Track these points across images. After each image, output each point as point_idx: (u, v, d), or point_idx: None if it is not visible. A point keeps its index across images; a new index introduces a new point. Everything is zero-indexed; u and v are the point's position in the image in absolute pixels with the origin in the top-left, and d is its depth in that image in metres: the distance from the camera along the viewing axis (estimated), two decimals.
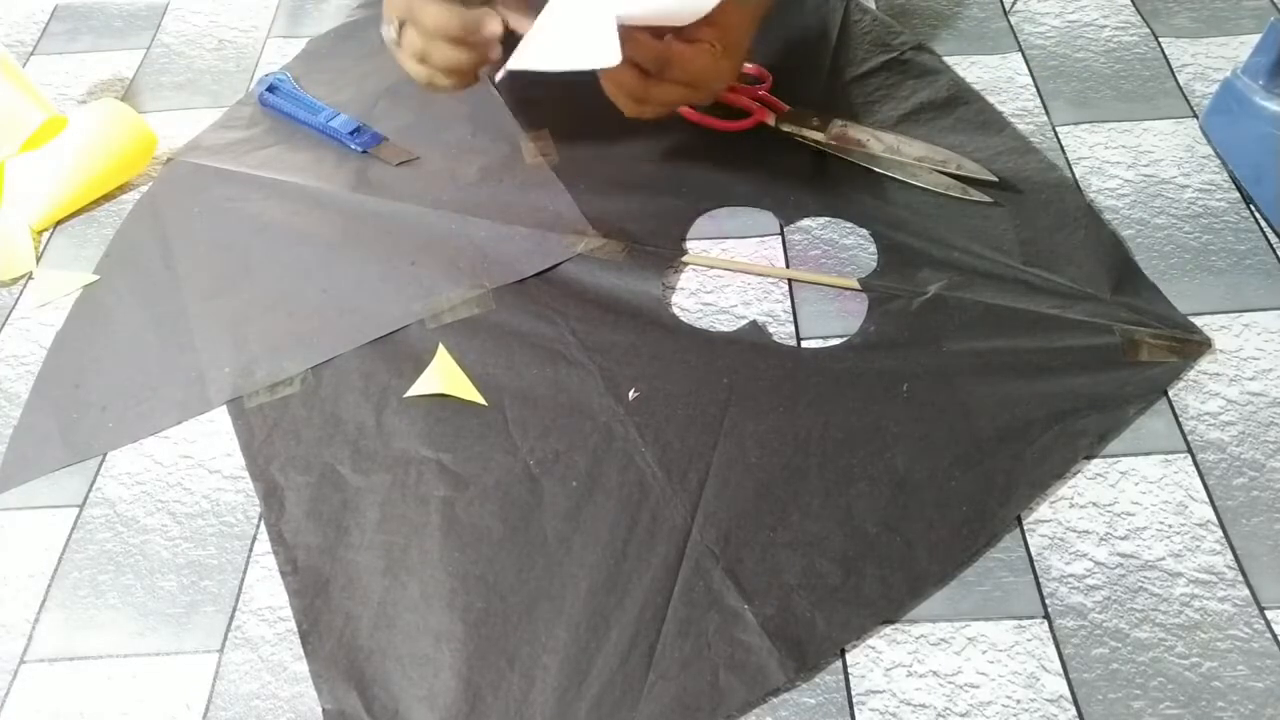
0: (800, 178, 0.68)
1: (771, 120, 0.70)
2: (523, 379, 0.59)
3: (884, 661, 0.48)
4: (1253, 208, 0.66)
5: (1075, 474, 0.54)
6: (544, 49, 0.54)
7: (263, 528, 0.54)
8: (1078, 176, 0.68)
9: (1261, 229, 0.65)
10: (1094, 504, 0.53)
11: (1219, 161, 0.68)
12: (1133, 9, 0.80)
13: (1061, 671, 0.48)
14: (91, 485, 0.57)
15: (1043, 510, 0.53)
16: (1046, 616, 0.49)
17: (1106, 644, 0.48)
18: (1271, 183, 0.64)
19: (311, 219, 0.68)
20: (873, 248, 0.64)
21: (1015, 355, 0.58)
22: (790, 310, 0.62)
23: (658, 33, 0.58)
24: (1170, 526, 0.52)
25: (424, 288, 0.63)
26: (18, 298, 0.66)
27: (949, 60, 0.77)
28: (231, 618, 0.51)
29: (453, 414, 0.58)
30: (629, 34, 0.56)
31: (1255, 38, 0.66)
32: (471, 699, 0.48)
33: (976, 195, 0.66)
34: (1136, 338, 0.58)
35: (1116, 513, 0.53)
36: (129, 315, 0.64)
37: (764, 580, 0.50)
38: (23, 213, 0.69)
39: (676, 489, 0.54)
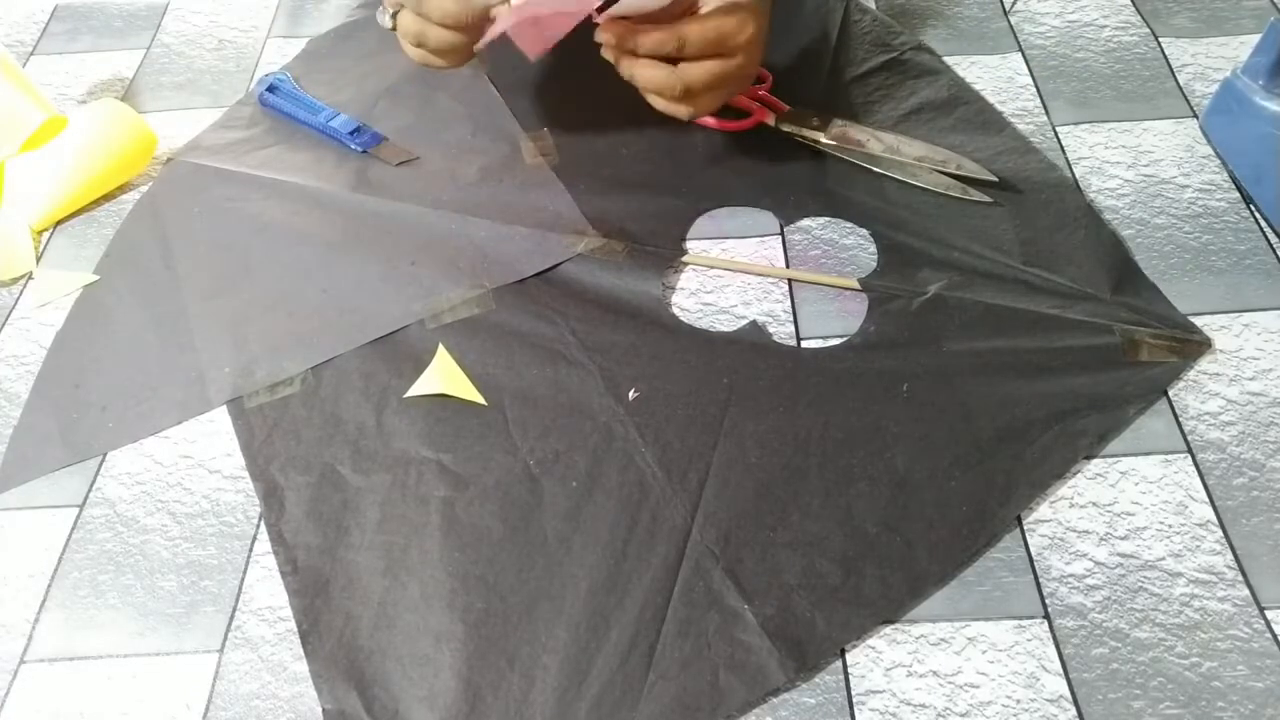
0: (800, 178, 0.68)
1: (771, 120, 0.70)
2: (523, 379, 0.59)
3: (884, 661, 0.48)
4: (1253, 208, 0.66)
5: (1075, 474, 0.54)
6: None
7: (263, 528, 0.54)
8: (1078, 176, 0.68)
9: (1261, 229, 0.65)
10: (1094, 504, 0.53)
11: (1219, 161, 0.68)
12: (1133, 9, 0.80)
13: (1061, 671, 0.48)
14: (91, 485, 0.57)
15: (1043, 510, 0.53)
16: (1046, 616, 0.49)
17: (1106, 644, 0.48)
18: (1271, 183, 0.64)
19: (311, 219, 0.68)
20: (873, 248, 0.64)
21: (1015, 355, 0.58)
22: (790, 310, 0.62)
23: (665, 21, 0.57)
24: (1170, 526, 0.52)
25: (424, 288, 0.63)
26: (18, 298, 0.66)
27: (949, 60, 0.77)
28: (231, 618, 0.51)
29: (453, 414, 0.58)
30: (636, 29, 0.56)
31: (1255, 38, 0.66)
32: (471, 699, 0.48)
33: (976, 195, 0.66)
34: (1136, 338, 0.58)
35: (1116, 513, 0.53)
36: (129, 315, 0.64)
37: (764, 580, 0.50)
38: (23, 213, 0.69)
39: (676, 489, 0.54)
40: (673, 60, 0.58)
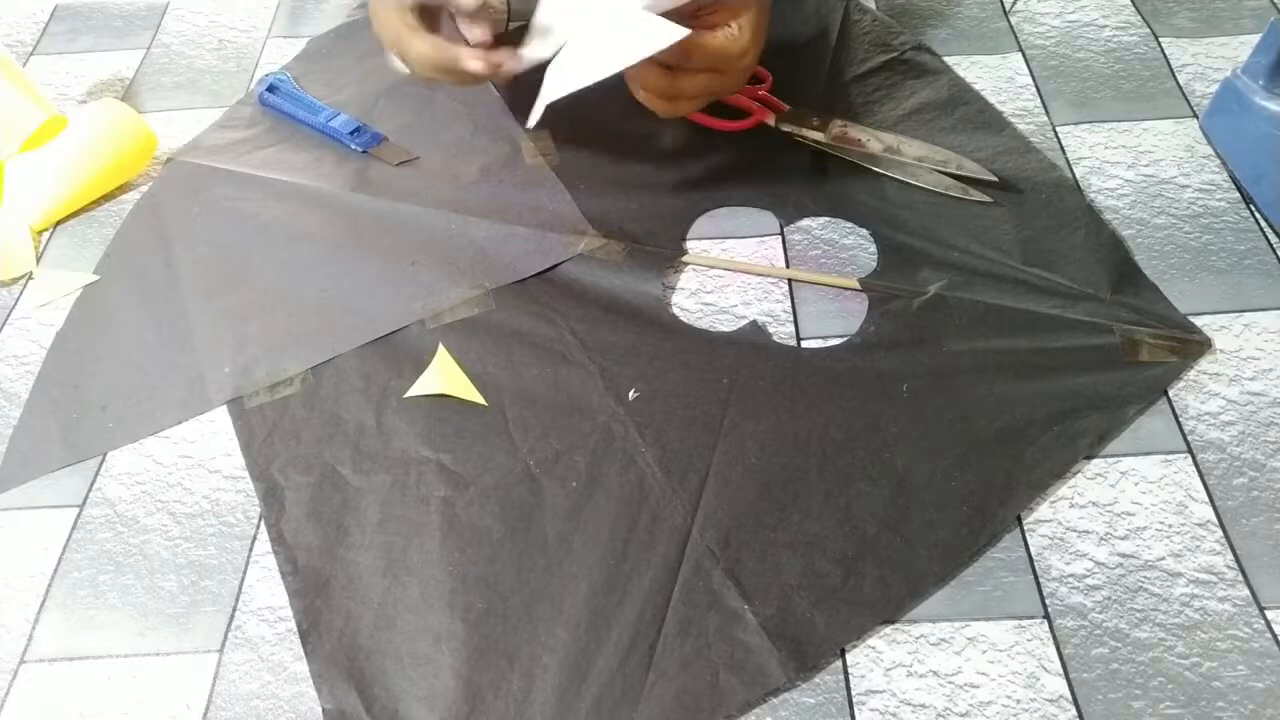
0: (800, 178, 0.68)
1: (771, 120, 0.70)
2: (523, 379, 0.59)
3: (884, 661, 0.48)
4: (1253, 208, 0.66)
5: (1075, 474, 0.54)
6: (581, 64, 0.55)
7: (263, 528, 0.54)
8: (1078, 176, 0.68)
9: (1261, 229, 0.65)
10: (1094, 504, 0.53)
11: (1219, 161, 0.68)
12: (1133, 9, 0.80)
13: (1061, 671, 0.48)
14: (91, 485, 0.57)
15: (1043, 510, 0.53)
16: (1046, 616, 0.49)
17: (1106, 644, 0.48)
18: (1271, 183, 0.64)
19: (311, 219, 0.68)
20: (873, 248, 0.64)
21: (1015, 355, 0.58)
22: (790, 310, 0.62)
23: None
24: (1170, 526, 0.52)
25: (424, 288, 0.63)
26: (18, 298, 0.66)
27: (949, 60, 0.77)
28: (231, 618, 0.51)
29: (453, 414, 0.58)
30: None
31: (1255, 38, 0.66)
32: (471, 699, 0.48)
33: (976, 195, 0.66)
34: (1136, 338, 0.58)
35: (1116, 513, 0.53)
36: (129, 315, 0.64)
37: (764, 580, 0.50)
38: (23, 213, 0.69)
39: (676, 489, 0.54)
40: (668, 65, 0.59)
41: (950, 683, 0.48)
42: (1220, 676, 0.47)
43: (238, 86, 0.79)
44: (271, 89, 0.75)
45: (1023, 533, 0.52)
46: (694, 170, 0.69)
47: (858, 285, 0.62)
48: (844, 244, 0.65)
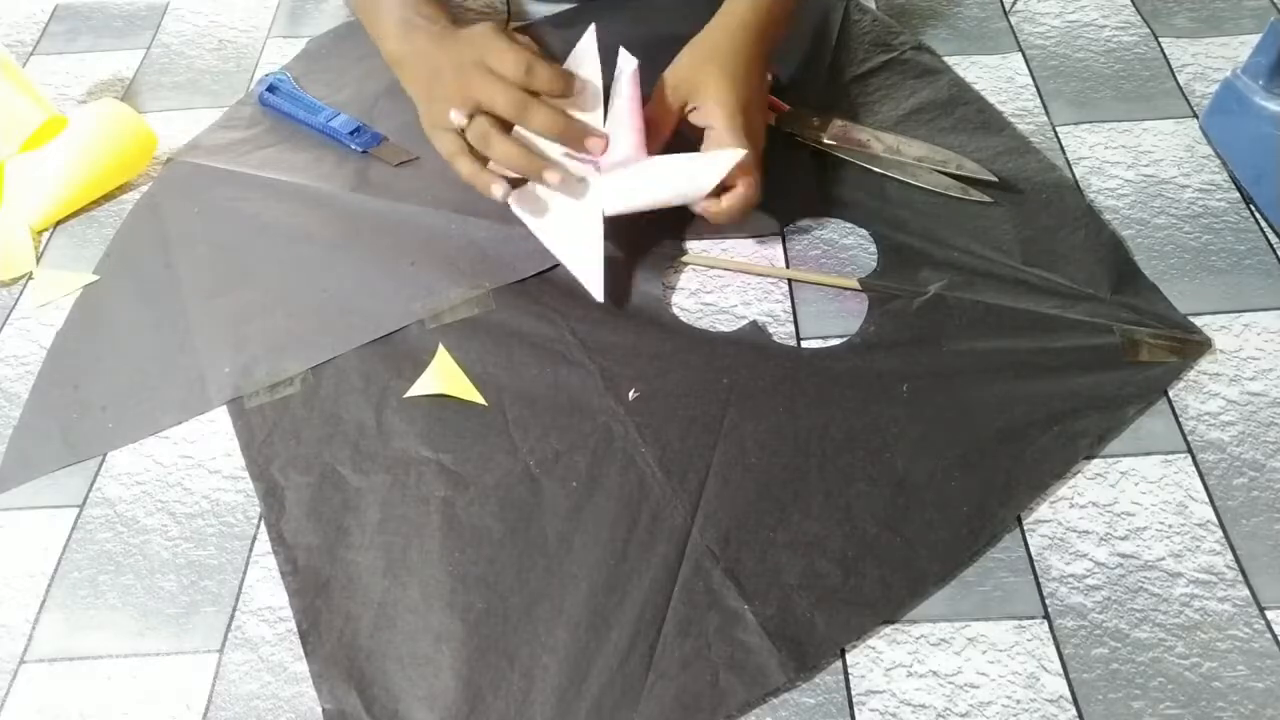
0: (800, 178, 0.68)
1: (772, 120, 0.70)
2: (523, 379, 0.59)
3: (884, 661, 0.48)
4: (1253, 208, 0.66)
5: (1075, 474, 0.54)
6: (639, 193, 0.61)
7: (263, 528, 0.54)
8: (1078, 176, 0.68)
9: (1261, 229, 0.65)
10: (1094, 504, 0.53)
11: (1219, 161, 0.68)
12: (1133, 9, 0.80)
13: (1061, 671, 0.48)
14: (91, 485, 0.57)
15: (1043, 510, 0.53)
16: (1046, 616, 0.49)
17: (1106, 644, 0.48)
18: (1271, 183, 0.64)
19: (311, 219, 0.68)
20: (873, 248, 0.64)
21: (1015, 355, 0.58)
22: (790, 310, 0.62)
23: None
24: (1170, 526, 0.52)
25: (424, 288, 0.63)
26: (18, 298, 0.66)
27: (949, 60, 0.77)
28: (231, 618, 0.51)
29: (453, 414, 0.58)
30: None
31: (1255, 38, 0.66)
32: (471, 699, 0.48)
33: (976, 195, 0.66)
34: (1136, 338, 0.58)
35: (1116, 513, 0.53)
36: (129, 315, 0.64)
37: (764, 580, 0.50)
38: (23, 213, 0.69)
39: (676, 489, 0.54)
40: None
41: (950, 683, 0.48)
42: (1220, 676, 0.47)
43: (238, 86, 0.79)
44: (271, 89, 0.75)
45: (1023, 533, 0.52)
46: None
47: (858, 285, 0.62)
48: (844, 244, 0.65)
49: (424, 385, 0.59)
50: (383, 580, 0.52)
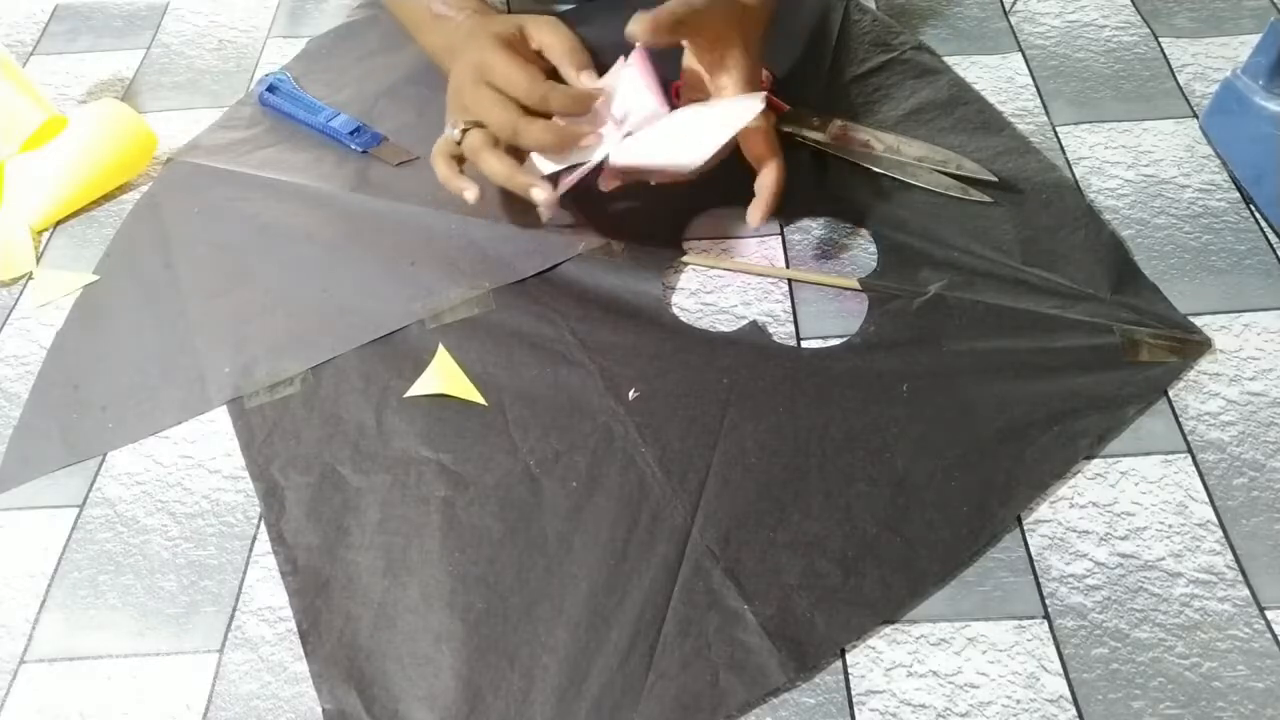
0: (800, 178, 0.68)
1: (772, 120, 0.70)
2: (523, 379, 0.59)
3: (884, 661, 0.48)
4: (1253, 208, 0.66)
5: (1075, 474, 0.54)
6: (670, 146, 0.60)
7: (263, 528, 0.54)
8: (1078, 176, 0.68)
9: (1261, 229, 0.65)
10: (1094, 504, 0.53)
11: (1219, 161, 0.68)
12: (1133, 9, 0.80)
13: (1061, 671, 0.48)
14: (91, 485, 0.57)
15: (1043, 510, 0.53)
16: (1046, 616, 0.49)
17: (1106, 644, 0.48)
18: (1271, 183, 0.64)
19: (311, 219, 0.68)
20: (873, 248, 0.64)
21: (1015, 355, 0.58)
22: (790, 310, 0.62)
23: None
24: (1170, 526, 0.52)
25: (424, 288, 0.63)
26: (18, 298, 0.66)
27: (949, 60, 0.77)
28: (231, 618, 0.51)
29: (453, 414, 0.58)
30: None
31: (1255, 38, 0.66)
32: (471, 699, 0.48)
33: (976, 195, 0.66)
34: (1136, 338, 0.58)
35: (1116, 513, 0.53)
36: (129, 315, 0.64)
37: (764, 580, 0.50)
38: (23, 213, 0.69)
39: (676, 489, 0.54)
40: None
41: (950, 683, 0.48)
42: (1220, 676, 0.47)
43: (238, 86, 0.79)
44: (271, 89, 0.75)
45: (1023, 533, 0.52)
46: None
47: (858, 285, 0.62)
48: (844, 244, 0.65)
49: (424, 385, 0.59)
50: (383, 580, 0.52)
